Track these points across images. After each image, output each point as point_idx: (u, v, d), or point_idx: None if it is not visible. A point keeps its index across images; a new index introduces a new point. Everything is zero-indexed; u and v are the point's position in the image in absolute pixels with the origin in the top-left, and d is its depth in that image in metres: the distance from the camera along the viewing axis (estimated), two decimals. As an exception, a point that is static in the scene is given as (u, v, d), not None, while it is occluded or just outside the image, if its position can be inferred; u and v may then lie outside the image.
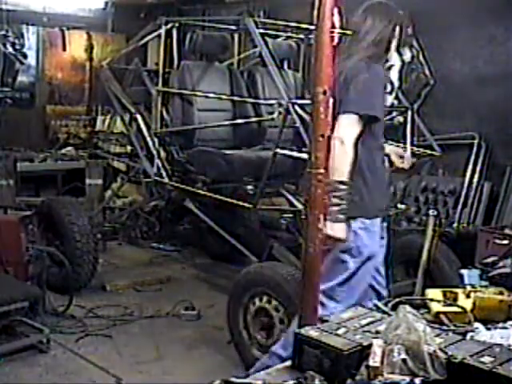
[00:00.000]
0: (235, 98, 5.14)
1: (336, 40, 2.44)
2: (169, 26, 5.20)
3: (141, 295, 5.32)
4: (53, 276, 4.81)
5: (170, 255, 6.56)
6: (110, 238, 6.61)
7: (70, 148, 8.10)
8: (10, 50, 7.72)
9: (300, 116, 4.08)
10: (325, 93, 2.40)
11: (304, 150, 4.22)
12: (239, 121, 5.00)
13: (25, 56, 8.04)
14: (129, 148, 6.40)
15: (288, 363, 1.97)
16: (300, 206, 4.50)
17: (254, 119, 5.03)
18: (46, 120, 8.52)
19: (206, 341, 4.43)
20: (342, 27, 2.41)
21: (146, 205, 6.95)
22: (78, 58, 8.74)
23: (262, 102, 4.99)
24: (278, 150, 4.21)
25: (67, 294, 4.69)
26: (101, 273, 5.52)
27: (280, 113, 4.19)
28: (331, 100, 2.42)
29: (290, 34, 5.59)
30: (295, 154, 4.31)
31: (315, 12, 2.43)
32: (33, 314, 4.23)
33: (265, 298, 3.85)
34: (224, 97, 5.08)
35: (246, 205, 4.48)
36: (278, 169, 4.39)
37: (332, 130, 2.57)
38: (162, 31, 5.19)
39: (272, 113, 4.33)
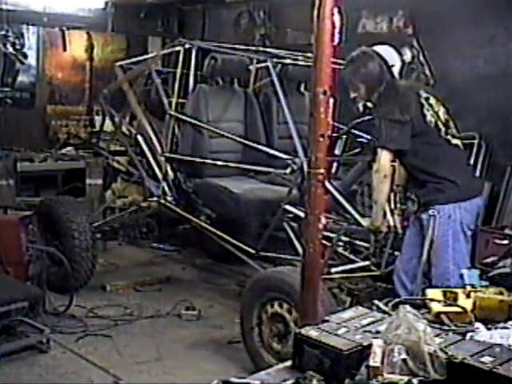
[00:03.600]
0: (247, 143, 4.95)
1: (336, 40, 2.45)
2: (187, 46, 5.16)
3: (141, 295, 5.32)
4: (52, 276, 4.81)
5: (170, 255, 6.56)
6: (110, 237, 6.60)
7: (70, 148, 8.09)
8: (10, 49, 7.70)
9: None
10: (325, 93, 2.41)
11: None
12: (251, 168, 4.90)
13: (25, 56, 8.02)
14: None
15: (288, 363, 1.97)
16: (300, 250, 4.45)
17: (266, 169, 4.81)
18: (46, 120, 8.51)
19: (206, 341, 4.42)
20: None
21: (145, 205, 6.95)
22: (78, 58, 8.72)
23: (277, 153, 4.63)
24: (287, 207, 4.22)
25: (67, 293, 4.69)
26: (101, 273, 5.52)
27: (293, 170, 4.19)
28: (331, 100, 2.42)
29: (308, 54, 5.54)
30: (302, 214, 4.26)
31: (315, 12, 2.44)
32: (33, 314, 4.23)
33: (279, 304, 3.76)
34: (237, 138, 4.96)
35: (248, 250, 4.49)
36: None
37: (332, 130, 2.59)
38: (181, 53, 5.13)
39: (286, 167, 4.29)
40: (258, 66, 5.65)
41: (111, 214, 6.90)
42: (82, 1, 8.18)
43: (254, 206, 4.66)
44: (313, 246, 2.48)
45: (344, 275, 4.10)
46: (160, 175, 5.16)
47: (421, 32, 6.12)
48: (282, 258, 4.54)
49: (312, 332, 1.95)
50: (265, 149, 4.81)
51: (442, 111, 3.71)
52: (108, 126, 7.21)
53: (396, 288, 3.78)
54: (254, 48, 5.83)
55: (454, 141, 3.71)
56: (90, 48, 8.68)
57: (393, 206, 3.97)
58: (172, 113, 5.11)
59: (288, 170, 4.25)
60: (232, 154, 5.08)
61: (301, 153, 4.20)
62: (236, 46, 5.42)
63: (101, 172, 7.26)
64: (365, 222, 3.95)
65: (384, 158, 3.55)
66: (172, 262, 6.37)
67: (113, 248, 6.56)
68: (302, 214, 4.10)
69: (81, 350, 4.16)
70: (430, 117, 3.65)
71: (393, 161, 3.62)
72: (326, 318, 2.13)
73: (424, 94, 3.71)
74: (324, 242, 3.18)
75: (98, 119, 8.26)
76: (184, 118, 5.12)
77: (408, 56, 6.27)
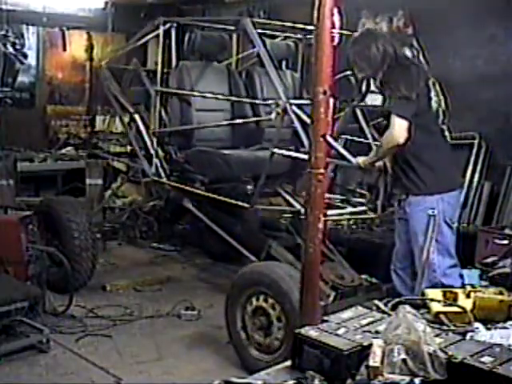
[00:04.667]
0: (233, 98, 5.14)
1: (336, 40, 2.45)
2: (167, 26, 5.20)
3: (141, 295, 5.32)
4: (52, 276, 4.81)
5: (170, 255, 6.55)
6: (110, 237, 6.60)
7: (69, 148, 8.10)
8: (10, 49, 7.71)
9: (298, 116, 4.10)
10: (325, 93, 2.41)
11: (302, 150, 4.23)
12: (237, 121, 5.01)
13: (25, 56, 8.03)
14: (129, 148, 6.39)
15: (288, 363, 1.98)
16: (298, 206, 4.51)
17: (251, 119, 5.03)
18: (46, 120, 8.52)
19: (206, 341, 4.42)
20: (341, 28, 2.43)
21: (145, 204, 6.96)
22: (78, 58, 8.73)
23: (259, 102, 4.98)
24: (276, 150, 4.22)
25: (67, 293, 4.69)
26: (101, 273, 5.52)
27: (278, 113, 4.21)
28: (331, 100, 2.42)
29: (288, 34, 5.59)
30: (293, 153, 4.32)
31: (315, 12, 2.44)
32: (33, 314, 4.23)
33: (262, 298, 3.83)
34: (221, 97, 5.08)
35: (243, 204, 4.50)
36: (275, 169, 4.40)
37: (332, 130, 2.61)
38: (161, 31, 5.19)
39: (270, 113, 4.33)
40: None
41: (111, 214, 6.91)
42: (81, 1, 8.18)
43: (245, 164, 4.68)
44: (313, 245, 2.47)
45: (342, 217, 4.14)
46: (152, 151, 5.18)
47: (421, 32, 6.12)
48: (277, 209, 4.67)
49: (312, 332, 1.95)
50: (249, 100, 4.95)
51: (442, 101, 3.73)
52: (104, 124, 7.24)
53: (396, 286, 3.80)
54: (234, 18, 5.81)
55: (446, 133, 3.74)
56: (89, 48, 8.68)
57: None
58: (157, 88, 5.14)
59: (273, 115, 4.25)
60: (220, 129, 5.09)
61: (283, 96, 4.20)
62: (216, 19, 5.46)
63: (101, 172, 7.26)
64: (355, 160, 3.93)
65: (400, 124, 3.48)
66: (172, 262, 6.37)
67: (113, 248, 6.56)
68: (291, 154, 4.23)
69: (81, 350, 4.16)
70: (433, 101, 3.66)
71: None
72: (326, 318, 2.13)
73: (432, 79, 3.73)
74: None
75: (98, 119, 8.28)
76: (170, 90, 5.15)
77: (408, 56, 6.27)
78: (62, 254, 4.78)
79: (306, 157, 3.11)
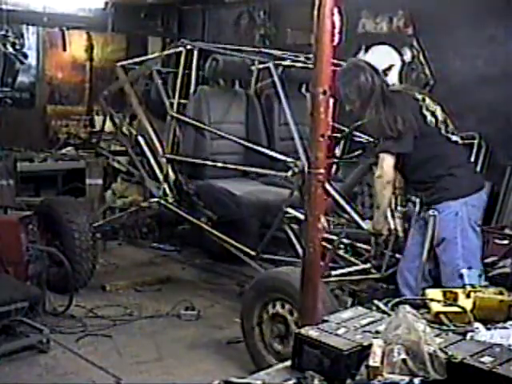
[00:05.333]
0: (248, 145, 4.93)
1: (336, 40, 2.45)
2: (188, 47, 5.15)
3: (141, 295, 5.32)
4: (53, 276, 4.81)
5: (170, 255, 6.55)
6: (110, 237, 6.60)
7: (69, 148, 8.09)
8: (10, 50, 7.70)
9: None
10: (325, 93, 2.41)
11: None
12: (252, 169, 4.91)
13: (25, 56, 8.02)
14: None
15: (288, 363, 1.98)
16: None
17: (267, 171, 4.78)
18: (46, 120, 8.51)
19: (206, 341, 4.42)
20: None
21: (145, 206, 6.94)
22: (78, 58, 8.73)
23: (279, 156, 4.59)
24: (289, 210, 4.21)
25: (67, 293, 4.69)
26: (101, 273, 5.53)
27: (294, 173, 4.19)
28: (331, 100, 2.42)
29: (309, 56, 5.53)
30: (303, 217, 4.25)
31: (315, 12, 2.44)
32: (33, 314, 4.23)
33: (280, 304, 3.74)
34: (237, 140, 4.94)
35: (249, 252, 4.49)
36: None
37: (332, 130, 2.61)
38: (183, 54, 5.13)
39: (288, 168, 4.28)
40: (260, 66, 5.64)
41: (111, 214, 6.90)
42: (81, 1, 8.18)
43: (255, 208, 4.66)
44: (313, 246, 2.48)
45: (344, 278, 4.10)
46: (161, 176, 5.16)
47: (421, 32, 6.12)
48: (282, 260, 4.54)
49: (312, 332, 1.95)
50: (266, 151, 4.80)
51: (438, 110, 3.73)
52: (108, 125, 7.22)
53: (400, 287, 3.78)
54: (255, 49, 5.82)
55: (454, 137, 3.73)
56: (89, 48, 8.67)
57: (394, 208, 3.98)
58: (174, 114, 5.10)
59: (289, 173, 4.25)
60: (233, 156, 5.08)
61: (302, 155, 4.20)
62: (237, 48, 5.42)
63: (101, 172, 7.26)
64: (366, 225, 3.96)
65: (387, 163, 3.56)
66: (172, 261, 6.37)
67: (113, 248, 6.56)
68: (302, 217, 4.13)
69: (81, 350, 4.16)
70: (429, 117, 3.66)
71: (395, 166, 3.62)
72: (326, 318, 2.13)
73: (419, 96, 3.73)
74: (325, 244, 3.18)
75: (98, 119, 8.27)
76: (185, 119, 5.12)
77: (408, 56, 6.27)
78: (63, 255, 4.78)
79: None
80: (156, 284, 5.59)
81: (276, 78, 4.69)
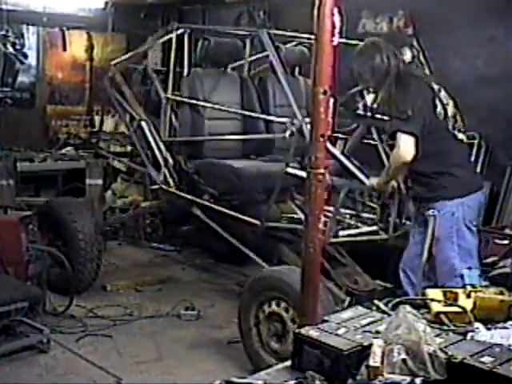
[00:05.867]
0: (245, 113, 5.07)
1: (336, 40, 2.45)
2: (180, 31, 5.15)
3: (141, 295, 5.32)
4: (55, 277, 4.80)
5: (170, 255, 6.55)
6: (110, 237, 6.60)
7: (69, 148, 8.10)
8: (11, 49, 7.71)
9: None
10: (325, 93, 2.41)
11: None
12: (249, 136, 4.95)
13: (25, 56, 8.03)
14: (129, 148, 6.39)
15: (288, 363, 1.97)
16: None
17: (264, 136, 4.96)
18: (46, 120, 8.51)
19: (206, 341, 4.42)
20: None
21: (148, 205, 6.94)
22: (78, 58, 8.73)
23: (274, 119, 4.83)
24: (289, 170, 4.18)
25: (69, 294, 4.68)
26: (101, 273, 5.51)
27: (292, 132, 4.17)
28: (331, 100, 2.42)
29: (301, 40, 5.54)
30: (305, 174, 4.26)
31: (315, 12, 2.44)
32: (33, 314, 4.22)
33: (281, 304, 3.74)
34: (234, 109, 5.02)
35: (253, 221, 4.45)
36: (286, 182, 4.35)
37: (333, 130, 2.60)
38: (174, 37, 5.13)
39: (284, 130, 4.26)
40: (254, 57, 5.65)
41: (112, 215, 6.90)
42: (82, 1, 8.19)
43: (256, 180, 4.62)
44: (313, 245, 2.47)
45: (352, 238, 4.10)
46: (161, 160, 5.14)
47: (421, 32, 6.12)
48: (286, 228, 4.54)
49: (312, 332, 1.95)
50: (262, 116, 4.90)
51: (450, 105, 3.73)
52: (108, 125, 7.24)
53: (403, 285, 3.79)
54: (247, 29, 5.80)
55: (460, 135, 3.73)
56: (89, 48, 8.68)
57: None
58: (168, 96, 5.09)
59: (287, 133, 4.20)
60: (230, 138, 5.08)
61: (299, 115, 4.16)
62: (228, 27, 5.42)
63: (101, 172, 7.26)
64: (369, 181, 3.94)
65: (406, 142, 3.50)
66: (172, 262, 6.37)
67: (113, 248, 6.56)
68: (304, 174, 4.14)
69: (81, 350, 4.16)
70: (440, 108, 3.65)
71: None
72: (326, 318, 2.13)
73: (436, 86, 3.72)
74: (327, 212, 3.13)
75: (98, 119, 8.28)
76: (181, 99, 5.10)
77: (408, 56, 6.26)
78: (67, 257, 4.76)
79: None
80: (156, 284, 5.59)
81: (269, 46, 4.56)
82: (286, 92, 4.32)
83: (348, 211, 4.32)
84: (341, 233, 4.02)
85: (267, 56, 4.84)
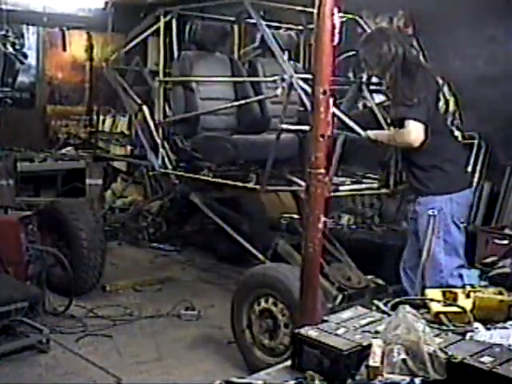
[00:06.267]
0: (236, 79, 5.14)
1: (336, 40, 2.45)
2: (168, 17, 5.18)
3: (141, 295, 5.32)
4: (56, 277, 4.81)
5: (170, 255, 6.55)
6: (110, 237, 6.60)
7: (69, 148, 8.10)
8: (10, 49, 7.71)
9: (305, 90, 3.99)
10: (325, 93, 2.40)
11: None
12: (242, 101, 4.93)
13: (25, 56, 8.04)
14: (129, 148, 6.39)
15: (288, 363, 1.97)
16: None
17: (256, 98, 4.99)
18: (46, 120, 8.52)
19: (206, 341, 4.42)
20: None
21: (148, 203, 6.94)
22: (78, 58, 8.74)
23: (263, 79, 4.91)
24: (284, 126, 4.13)
25: (74, 295, 4.68)
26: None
27: (283, 88, 4.14)
28: (331, 100, 2.42)
29: (289, 26, 5.57)
30: (301, 127, 4.25)
31: (315, 12, 2.43)
32: (33, 314, 4.23)
33: (270, 300, 3.78)
34: (226, 81, 5.07)
35: (253, 186, 4.45)
36: (283, 152, 4.33)
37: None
38: (161, 23, 5.16)
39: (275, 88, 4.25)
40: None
41: (111, 214, 6.90)
42: (81, 1, 8.19)
43: (252, 148, 4.62)
44: (313, 245, 2.47)
45: (354, 192, 4.11)
46: (159, 141, 5.14)
47: (421, 32, 6.12)
48: (287, 190, 4.60)
49: (311, 332, 1.95)
50: (252, 79, 5.02)
51: (452, 100, 3.74)
52: (106, 125, 7.23)
53: (404, 284, 3.81)
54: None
55: (456, 132, 3.74)
56: (89, 48, 8.68)
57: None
58: (160, 78, 5.12)
59: (279, 91, 4.17)
60: (224, 117, 5.08)
61: (288, 71, 4.12)
62: (210, 4, 5.45)
63: (101, 172, 7.27)
64: (365, 133, 3.93)
65: (417, 128, 3.54)
66: (172, 262, 6.37)
67: (113, 248, 6.55)
68: (300, 127, 4.11)
69: (81, 350, 4.16)
70: (442, 103, 3.67)
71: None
72: (325, 317, 2.13)
73: (440, 80, 3.74)
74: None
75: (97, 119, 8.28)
76: (173, 79, 5.14)
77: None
78: (70, 257, 4.77)
79: None
80: (156, 284, 5.59)
81: (253, 13, 4.59)
82: (276, 55, 4.30)
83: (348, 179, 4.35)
84: (342, 188, 4.03)
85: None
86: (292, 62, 5.50)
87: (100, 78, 6.88)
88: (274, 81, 4.24)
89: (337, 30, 2.47)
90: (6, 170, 6.86)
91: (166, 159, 5.08)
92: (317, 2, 2.40)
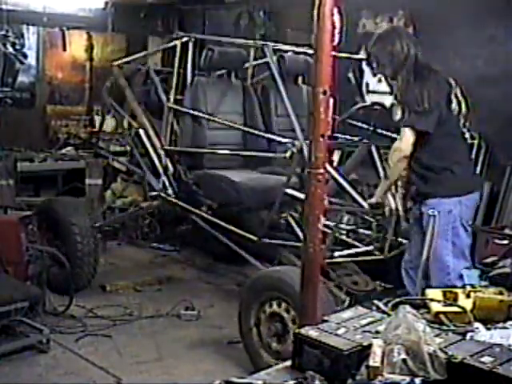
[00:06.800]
0: (246, 129, 5.05)
1: (336, 40, 2.45)
2: (184, 39, 5.19)
3: (141, 295, 5.32)
4: (55, 276, 4.81)
5: (170, 255, 6.55)
6: (110, 237, 6.60)
7: (69, 148, 8.10)
8: (10, 49, 7.71)
9: None
10: (325, 93, 2.41)
11: None
12: (250, 153, 4.93)
13: (25, 56, 8.04)
14: (128, 148, 6.38)
15: (288, 363, 1.97)
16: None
17: (265, 154, 4.91)
18: (46, 120, 8.51)
19: (206, 341, 4.42)
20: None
21: (145, 205, 6.94)
22: (78, 58, 8.73)
23: (275, 138, 4.76)
24: (288, 191, 4.19)
25: (68, 294, 4.69)
26: (101, 273, 5.51)
27: (293, 153, 4.17)
28: (331, 100, 2.42)
29: (305, 50, 5.53)
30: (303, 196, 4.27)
31: (315, 12, 2.44)
32: (33, 314, 4.23)
33: (282, 305, 3.75)
34: (236, 125, 5.02)
35: (251, 237, 4.47)
36: (285, 197, 4.34)
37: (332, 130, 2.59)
38: (178, 46, 5.16)
39: (285, 151, 4.27)
40: (255, 63, 5.65)
41: (111, 214, 6.90)
42: (82, 1, 8.18)
43: (255, 194, 4.61)
44: (313, 245, 2.47)
45: (347, 259, 4.10)
46: (160, 169, 5.15)
47: (421, 32, 6.12)
48: (285, 244, 4.50)
49: (312, 332, 1.95)
50: (264, 134, 4.90)
51: (463, 102, 3.71)
52: (108, 125, 7.22)
53: (406, 285, 3.80)
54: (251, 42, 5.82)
55: (467, 134, 3.73)
56: (89, 48, 8.68)
57: (394, 190, 3.99)
58: (171, 105, 5.11)
59: (288, 154, 4.20)
60: (232, 147, 5.06)
61: (300, 136, 4.18)
62: (234, 39, 5.44)
63: (101, 172, 7.26)
64: (367, 202, 3.95)
65: (408, 137, 3.51)
66: (172, 262, 6.37)
67: (113, 248, 6.56)
68: (302, 196, 4.15)
69: (81, 350, 4.16)
70: (454, 104, 3.64)
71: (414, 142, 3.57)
72: (326, 318, 2.13)
73: (452, 81, 3.71)
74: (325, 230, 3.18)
75: (98, 119, 8.28)
76: (183, 109, 5.12)
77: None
78: (65, 256, 4.78)
79: None
80: (156, 284, 5.59)
81: (271, 62, 4.66)
82: (289, 112, 4.37)
83: (346, 227, 4.34)
84: (336, 253, 4.04)
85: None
86: (305, 87, 5.45)
87: (100, 77, 6.88)
88: (285, 143, 4.28)
89: (337, 30, 2.47)
90: (6, 170, 6.86)
91: (168, 186, 5.08)
92: (317, 2, 2.40)
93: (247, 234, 4.52)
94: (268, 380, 1.87)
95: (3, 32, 7.48)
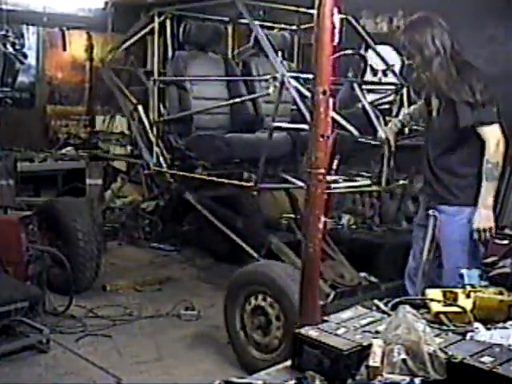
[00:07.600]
0: (230, 79, 5.21)
1: (336, 40, 2.45)
2: (162, 17, 5.22)
3: (141, 295, 5.32)
4: (55, 277, 4.81)
5: (170, 255, 6.56)
6: (110, 237, 6.60)
7: (69, 148, 8.10)
8: (10, 50, 7.72)
9: (297, 89, 4.00)
10: (325, 93, 2.41)
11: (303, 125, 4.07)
12: (236, 100, 4.94)
13: (25, 56, 8.04)
14: (129, 148, 6.39)
15: (288, 363, 1.97)
16: (300, 184, 4.33)
17: (249, 97, 5.03)
18: (46, 120, 8.52)
19: (206, 341, 4.42)
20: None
21: (145, 202, 6.95)
22: (78, 58, 8.74)
23: (256, 78, 4.99)
24: (276, 124, 4.14)
25: (69, 294, 4.69)
26: (101, 273, 5.51)
27: (275, 87, 4.13)
28: (331, 100, 2.42)
29: (283, 26, 5.59)
30: (293, 125, 4.28)
31: (315, 12, 2.43)
32: (33, 314, 4.23)
33: (260, 297, 3.84)
34: (219, 80, 5.15)
35: (247, 184, 4.46)
36: (276, 151, 4.35)
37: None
38: (156, 23, 5.20)
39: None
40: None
41: (111, 214, 6.90)
42: (81, 1, 8.19)
43: (246, 146, 4.62)
44: (313, 246, 2.47)
45: (348, 190, 4.19)
46: (153, 140, 5.16)
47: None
48: (282, 187, 4.64)
49: (312, 332, 1.95)
50: (246, 77, 5.11)
51: None
52: (107, 125, 7.22)
53: (406, 286, 3.76)
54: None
55: None
56: (89, 48, 8.69)
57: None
58: (155, 78, 5.15)
59: (270, 90, 4.16)
60: (218, 116, 5.11)
61: (280, 70, 4.12)
62: (204, 4, 5.47)
63: (101, 172, 7.27)
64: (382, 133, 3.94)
65: (494, 134, 3.33)
66: (172, 262, 6.37)
67: (113, 248, 6.56)
68: (293, 126, 4.23)
69: (81, 350, 4.16)
70: None
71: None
72: (326, 318, 2.13)
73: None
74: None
75: (99, 119, 8.28)
76: (167, 78, 5.18)
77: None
78: (67, 256, 4.77)
79: (306, 127, 3.16)
80: (156, 284, 5.59)
81: (245, 12, 4.75)
82: (268, 54, 4.31)
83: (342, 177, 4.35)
84: (334, 185, 4.01)
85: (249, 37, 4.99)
86: (285, 62, 5.51)
87: (99, 77, 6.88)
88: (266, 80, 4.25)
89: (337, 30, 2.47)
90: (6, 170, 6.86)
91: (161, 158, 5.11)
92: (317, 2, 2.40)
93: (243, 183, 4.53)
94: (268, 380, 1.87)
95: (3, 32, 7.48)
